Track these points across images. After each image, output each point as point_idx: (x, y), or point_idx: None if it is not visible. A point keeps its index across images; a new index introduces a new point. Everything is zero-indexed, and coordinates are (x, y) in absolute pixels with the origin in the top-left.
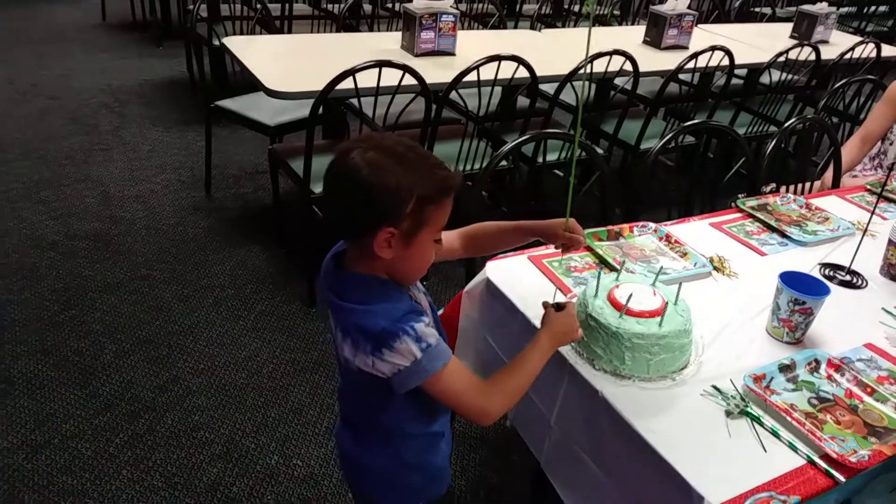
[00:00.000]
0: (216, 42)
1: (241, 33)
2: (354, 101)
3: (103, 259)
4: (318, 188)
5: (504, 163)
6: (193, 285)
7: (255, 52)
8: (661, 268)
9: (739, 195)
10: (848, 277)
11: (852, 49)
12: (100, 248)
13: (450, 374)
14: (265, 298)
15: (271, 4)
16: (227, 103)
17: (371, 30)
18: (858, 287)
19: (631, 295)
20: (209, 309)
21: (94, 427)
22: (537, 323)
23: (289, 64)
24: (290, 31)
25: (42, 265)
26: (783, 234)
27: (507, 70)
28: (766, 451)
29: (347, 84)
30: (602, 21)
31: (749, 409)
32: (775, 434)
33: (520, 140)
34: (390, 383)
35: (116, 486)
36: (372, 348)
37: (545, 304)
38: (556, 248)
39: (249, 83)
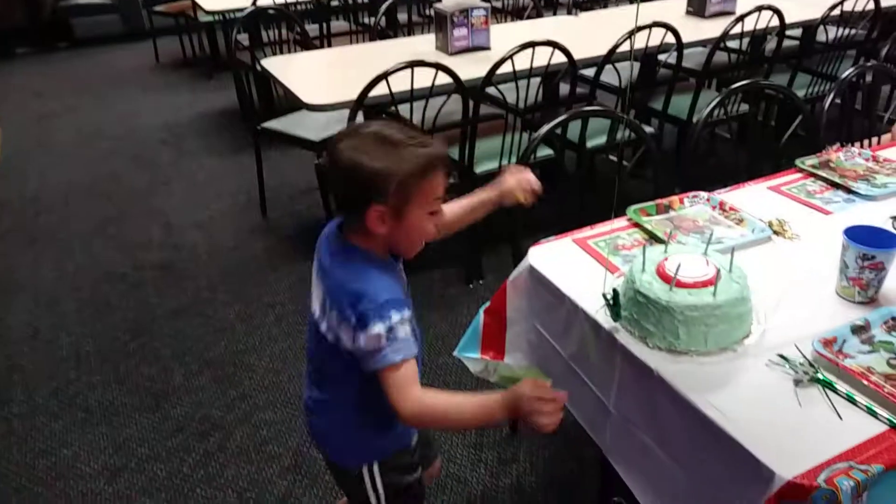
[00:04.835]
0: (258, 67)
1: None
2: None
3: (168, 286)
4: None
5: (551, 152)
6: (255, 304)
7: (293, 69)
8: (711, 234)
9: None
10: None
11: None
12: (165, 276)
13: (399, 373)
14: None
15: (310, 26)
16: (273, 124)
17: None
18: None
19: (679, 266)
20: (271, 326)
21: (167, 448)
22: (585, 306)
23: (326, 77)
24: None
25: (112, 297)
26: (849, 191)
27: (544, 57)
28: (841, 418)
29: (383, 90)
30: None
31: (820, 376)
32: (851, 400)
33: (554, 123)
34: (360, 360)
35: None
36: (355, 322)
37: (603, 296)
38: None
39: (295, 104)
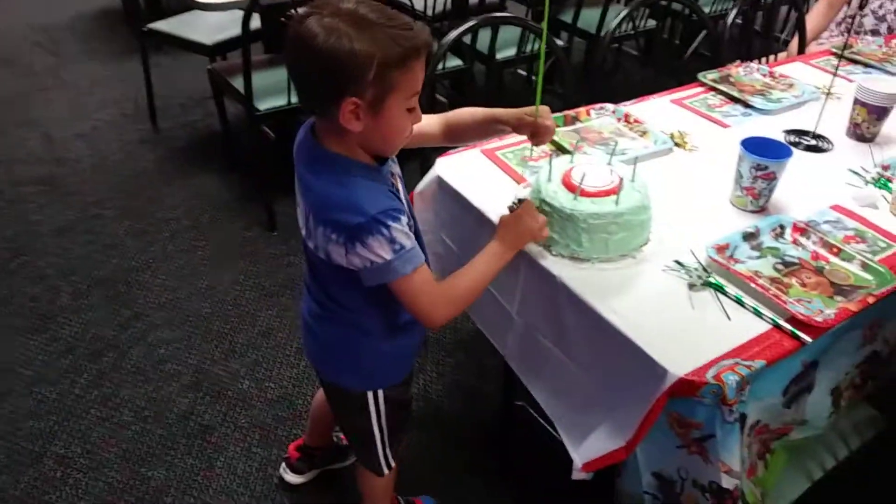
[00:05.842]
0: None
1: None
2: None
3: (51, 202)
4: (263, 105)
5: (461, 62)
6: (147, 220)
7: None
8: (616, 145)
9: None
10: (813, 142)
11: None
12: (47, 192)
13: (415, 281)
14: (223, 226)
15: None
16: (161, 25)
17: None
18: (824, 150)
19: (584, 175)
20: (166, 242)
21: (56, 370)
22: (493, 217)
23: None
24: None
25: None
26: (747, 105)
27: None
28: (730, 319)
29: None
30: None
31: (712, 280)
32: (739, 302)
33: (463, 28)
34: (360, 276)
35: (86, 424)
36: (345, 240)
37: (509, 209)
38: (527, 138)
39: (184, 3)
